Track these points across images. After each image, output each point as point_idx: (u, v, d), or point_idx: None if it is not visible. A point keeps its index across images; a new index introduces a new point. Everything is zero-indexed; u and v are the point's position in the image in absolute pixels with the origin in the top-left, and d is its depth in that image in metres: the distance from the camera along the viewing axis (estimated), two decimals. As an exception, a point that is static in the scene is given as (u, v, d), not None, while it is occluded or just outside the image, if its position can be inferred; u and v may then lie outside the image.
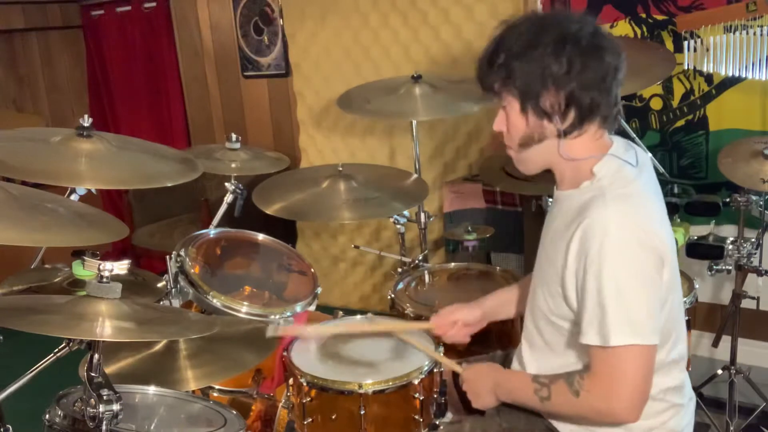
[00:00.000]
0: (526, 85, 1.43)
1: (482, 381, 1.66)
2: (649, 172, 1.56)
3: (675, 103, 2.94)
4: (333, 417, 1.80)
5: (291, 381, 1.88)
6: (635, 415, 1.40)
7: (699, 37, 2.75)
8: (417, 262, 2.70)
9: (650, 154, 2.64)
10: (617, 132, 1.56)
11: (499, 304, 1.90)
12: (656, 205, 1.49)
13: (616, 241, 1.36)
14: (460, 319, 1.86)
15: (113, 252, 4.53)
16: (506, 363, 1.79)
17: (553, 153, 1.50)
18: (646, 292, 1.39)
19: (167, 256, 2.10)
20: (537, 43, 1.41)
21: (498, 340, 2.13)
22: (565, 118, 1.45)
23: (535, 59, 1.41)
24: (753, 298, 2.46)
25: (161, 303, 2.05)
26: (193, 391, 1.82)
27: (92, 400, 1.35)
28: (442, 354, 1.83)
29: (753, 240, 2.42)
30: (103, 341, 1.38)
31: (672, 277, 1.46)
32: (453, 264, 2.65)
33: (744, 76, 2.66)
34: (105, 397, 1.35)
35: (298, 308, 2.14)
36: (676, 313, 1.53)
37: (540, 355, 1.61)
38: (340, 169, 2.46)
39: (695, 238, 2.49)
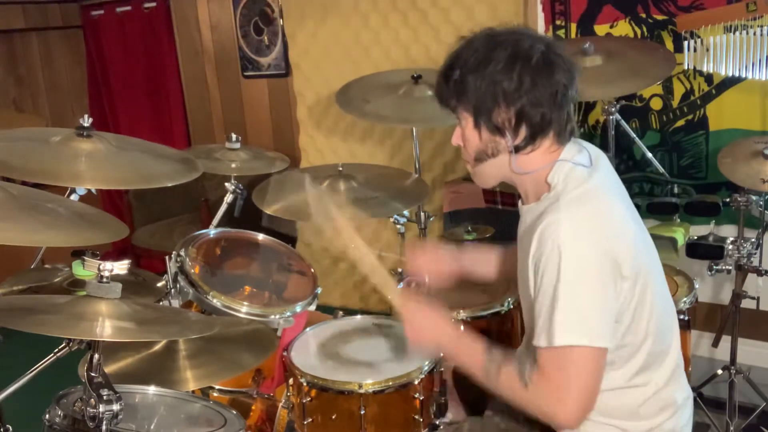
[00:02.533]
0: (479, 101, 1.46)
1: (429, 323, 1.59)
2: (606, 168, 1.56)
3: (675, 103, 2.94)
4: (333, 417, 1.80)
5: (291, 381, 1.88)
6: (574, 423, 1.38)
7: (699, 37, 2.75)
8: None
9: (650, 154, 2.67)
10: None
11: (477, 259, 1.87)
12: (614, 202, 1.48)
13: (568, 245, 1.36)
14: (434, 255, 1.84)
15: (113, 252, 4.53)
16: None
17: (507, 167, 1.53)
18: (597, 295, 1.38)
19: (167, 256, 2.10)
20: (489, 59, 1.44)
21: (498, 341, 2.13)
22: (516, 134, 1.47)
23: (487, 76, 1.44)
24: (753, 298, 2.46)
25: (161, 303, 2.05)
26: (193, 391, 1.82)
27: (92, 400, 1.35)
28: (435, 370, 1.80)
29: (753, 240, 2.42)
30: (103, 341, 1.38)
31: (642, 270, 1.45)
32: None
33: (744, 76, 2.66)
34: (105, 397, 1.34)
35: (298, 308, 2.14)
36: (659, 305, 1.51)
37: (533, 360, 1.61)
38: (340, 169, 2.45)
39: (695, 238, 2.49)
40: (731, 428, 2.49)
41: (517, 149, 1.48)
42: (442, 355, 1.63)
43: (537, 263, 1.41)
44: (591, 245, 1.38)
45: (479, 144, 1.51)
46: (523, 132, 1.47)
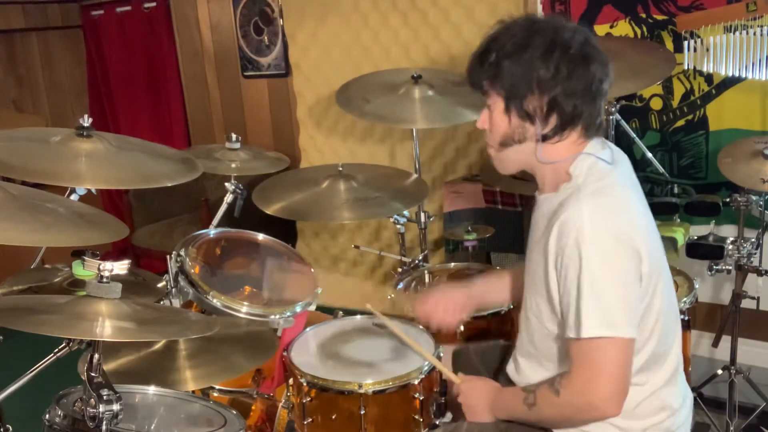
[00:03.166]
0: (513, 86, 1.46)
1: (479, 396, 1.64)
2: (626, 169, 1.58)
3: (675, 103, 2.94)
4: (333, 417, 1.80)
5: (291, 381, 1.88)
6: (615, 408, 1.40)
7: (699, 37, 2.75)
8: (417, 262, 2.70)
9: (650, 154, 2.66)
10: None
11: (490, 289, 1.89)
12: (633, 198, 1.49)
13: (590, 235, 1.37)
14: (444, 304, 1.84)
15: (113, 252, 4.53)
16: (508, 354, 1.78)
17: (532, 155, 1.52)
18: (621, 284, 1.39)
19: (167, 256, 2.10)
20: (528, 45, 1.43)
21: (499, 335, 2.12)
22: (546, 122, 1.47)
23: (523, 61, 1.43)
24: (753, 298, 2.46)
25: (161, 303, 2.05)
26: (193, 391, 1.82)
27: (92, 400, 1.35)
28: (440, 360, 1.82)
29: (753, 240, 2.42)
30: (103, 341, 1.38)
31: (654, 270, 1.45)
32: (453, 264, 2.65)
33: (744, 76, 2.66)
34: (105, 397, 1.34)
35: (298, 308, 2.14)
36: (665, 306, 1.52)
37: (534, 363, 1.61)
38: (340, 169, 2.45)
39: (695, 238, 2.49)
40: (731, 428, 2.49)
41: (544, 138, 1.48)
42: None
43: (560, 256, 1.41)
44: (613, 236, 1.38)
45: (507, 129, 1.51)
46: (553, 121, 1.47)
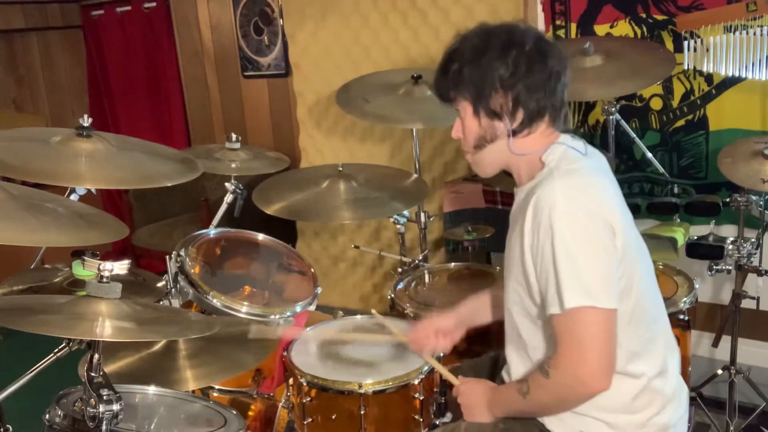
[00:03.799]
0: (477, 88, 1.53)
1: (476, 397, 1.66)
2: (600, 162, 1.61)
3: (675, 103, 2.93)
4: (333, 417, 1.80)
5: (291, 381, 1.88)
6: (604, 382, 1.41)
7: (699, 37, 2.75)
8: (417, 262, 2.70)
9: (650, 154, 2.67)
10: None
11: (473, 309, 1.89)
12: (606, 184, 1.52)
13: (564, 210, 1.40)
14: (435, 329, 1.84)
15: (113, 252, 4.54)
16: (499, 364, 1.78)
17: (506, 152, 1.58)
18: (597, 256, 1.41)
19: (167, 256, 2.10)
20: (485, 49, 1.51)
21: (498, 340, 2.13)
22: (514, 117, 1.53)
23: (483, 64, 1.51)
24: (753, 298, 2.46)
25: (161, 303, 2.05)
26: (193, 391, 1.82)
27: (92, 400, 1.35)
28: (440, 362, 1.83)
29: (753, 240, 2.42)
30: (103, 341, 1.38)
31: (629, 252, 1.47)
32: (453, 264, 2.65)
33: (744, 76, 2.66)
34: (105, 397, 1.34)
35: (298, 308, 2.14)
36: (645, 292, 1.54)
37: (523, 355, 1.62)
38: (340, 169, 2.46)
39: (695, 238, 2.49)
40: (731, 428, 2.49)
41: (514, 133, 1.54)
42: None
43: (535, 235, 1.44)
44: (585, 210, 1.42)
45: (479, 130, 1.57)
46: (520, 115, 1.53)
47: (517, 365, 1.63)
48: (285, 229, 3.85)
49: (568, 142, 1.56)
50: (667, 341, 1.62)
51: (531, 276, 1.49)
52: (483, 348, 2.04)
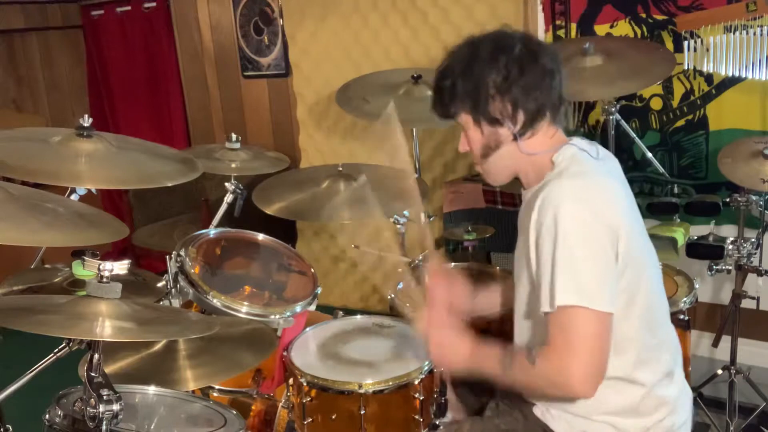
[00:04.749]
0: (473, 98, 1.53)
1: (452, 347, 1.59)
2: (613, 166, 1.62)
3: (675, 103, 2.94)
4: (333, 417, 1.80)
5: (291, 381, 1.88)
6: (589, 388, 1.39)
7: (699, 37, 2.75)
8: (417, 262, 2.70)
9: (650, 154, 2.66)
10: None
11: (486, 303, 1.89)
12: (617, 188, 1.52)
13: (569, 210, 1.40)
14: (453, 284, 1.79)
15: (113, 252, 4.54)
16: None
17: (513, 156, 1.57)
18: (596, 259, 1.40)
19: (167, 256, 2.10)
20: (474, 59, 1.53)
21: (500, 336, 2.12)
22: (515, 121, 1.53)
23: (475, 73, 1.52)
24: (753, 298, 2.46)
25: (161, 303, 2.05)
26: (193, 391, 1.82)
27: (92, 400, 1.35)
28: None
29: (753, 240, 2.42)
30: (103, 341, 1.38)
31: (637, 257, 1.47)
32: (453, 264, 2.65)
33: (744, 76, 2.66)
34: (105, 397, 1.34)
35: (298, 308, 2.14)
36: (652, 297, 1.53)
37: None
38: (340, 169, 2.46)
39: (695, 238, 2.49)
40: (731, 428, 2.49)
41: (518, 136, 1.54)
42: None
43: (539, 232, 1.44)
44: (590, 211, 1.41)
45: (482, 139, 1.57)
46: (520, 118, 1.53)
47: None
48: (285, 229, 3.85)
49: (580, 145, 1.56)
50: (673, 345, 1.61)
51: (534, 272, 1.48)
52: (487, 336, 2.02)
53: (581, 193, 1.43)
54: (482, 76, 1.51)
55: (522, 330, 1.63)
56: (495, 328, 2.10)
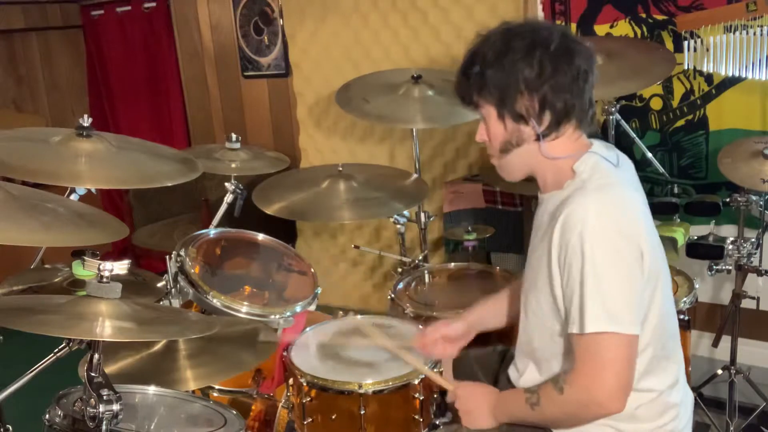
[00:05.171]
0: (501, 91, 1.47)
1: (477, 401, 1.63)
2: (630, 173, 1.60)
3: (675, 103, 2.94)
4: (333, 417, 1.80)
5: (291, 381, 1.88)
6: (619, 404, 1.40)
7: (699, 37, 2.75)
8: (417, 262, 2.70)
9: (650, 154, 2.66)
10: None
11: (487, 314, 1.87)
12: (637, 200, 1.50)
13: (595, 229, 1.37)
14: (443, 336, 1.82)
15: (113, 252, 4.54)
16: (506, 359, 1.77)
17: (533, 156, 1.53)
18: (624, 280, 1.39)
19: (167, 256, 2.10)
20: (508, 50, 1.45)
21: (498, 341, 2.13)
22: (541, 120, 1.48)
23: (507, 65, 1.45)
24: (753, 298, 2.46)
25: (161, 303, 2.05)
26: (193, 391, 1.82)
27: (92, 400, 1.35)
28: (434, 370, 1.80)
29: (753, 240, 2.42)
30: (103, 341, 1.38)
31: (654, 271, 1.46)
32: (453, 264, 2.65)
33: (744, 76, 2.66)
34: (105, 397, 1.35)
35: (298, 308, 2.14)
36: (665, 308, 1.52)
37: (535, 364, 1.61)
38: (340, 169, 2.46)
39: (695, 238, 2.49)
40: (731, 428, 2.49)
41: (542, 136, 1.49)
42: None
43: (563, 251, 1.41)
44: (617, 232, 1.38)
45: (504, 135, 1.52)
46: (547, 118, 1.48)
47: (526, 372, 1.62)
48: (285, 229, 3.86)
49: (601, 152, 1.51)
50: (680, 354, 1.60)
51: (557, 290, 1.46)
52: (488, 338, 2.03)
53: (607, 208, 1.40)
54: (514, 70, 1.44)
55: (526, 327, 1.62)
56: (495, 333, 2.10)
